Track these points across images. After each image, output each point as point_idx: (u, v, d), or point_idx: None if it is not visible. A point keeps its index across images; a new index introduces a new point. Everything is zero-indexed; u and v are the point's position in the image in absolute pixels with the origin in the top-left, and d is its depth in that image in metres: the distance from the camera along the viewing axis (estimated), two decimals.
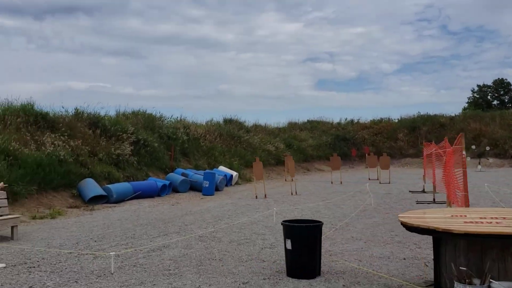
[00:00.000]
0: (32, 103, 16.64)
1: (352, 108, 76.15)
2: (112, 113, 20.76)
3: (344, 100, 68.74)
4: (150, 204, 14.20)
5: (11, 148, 13.37)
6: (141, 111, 22.26)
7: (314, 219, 8.22)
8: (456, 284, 4.47)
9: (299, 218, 10.18)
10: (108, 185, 14.56)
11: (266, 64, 66.43)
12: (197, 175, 17.81)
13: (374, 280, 5.90)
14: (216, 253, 7.54)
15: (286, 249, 6.05)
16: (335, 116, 65.25)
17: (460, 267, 4.55)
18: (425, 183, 16.54)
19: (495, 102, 58.27)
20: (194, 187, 17.43)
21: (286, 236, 6.02)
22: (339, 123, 37.88)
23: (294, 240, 5.90)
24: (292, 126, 35.36)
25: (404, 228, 5.08)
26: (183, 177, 17.30)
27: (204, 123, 27.17)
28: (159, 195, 15.88)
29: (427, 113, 36.37)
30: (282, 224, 6.16)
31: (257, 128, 30.60)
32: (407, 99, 68.61)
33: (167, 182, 16.60)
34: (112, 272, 6.43)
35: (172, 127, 21.91)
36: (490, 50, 79.05)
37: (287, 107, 67.28)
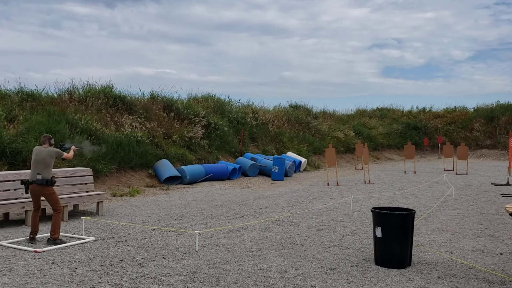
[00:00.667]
0: (111, 86, 17.28)
1: (421, 96, 72.44)
2: (184, 97, 21.18)
3: (412, 88, 65.72)
4: (222, 186, 14.36)
5: (93, 128, 13.99)
6: (211, 95, 22.53)
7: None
8: None
9: (376, 206, 9.82)
10: (182, 167, 14.89)
11: (330, 50, 64.80)
12: (266, 160, 17.78)
13: (471, 273, 5.54)
14: (296, 237, 7.43)
15: (375, 237, 5.81)
16: (403, 103, 62.55)
17: None
18: (509, 175, 15.49)
19: None
20: (263, 172, 17.43)
21: (376, 223, 5.78)
22: (410, 111, 36.34)
23: (385, 228, 5.65)
24: (361, 113, 34.35)
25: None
26: (253, 162, 17.34)
27: (271, 109, 27.00)
28: (229, 178, 16.03)
29: (508, 102, 34.01)
30: (372, 211, 5.91)
31: (325, 114, 29.95)
32: (480, 88, 64.28)
33: (237, 166, 16.71)
34: (197, 250, 6.50)
35: (241, 111, 21.97)
36: None
37: (352, 94, 65.41)
